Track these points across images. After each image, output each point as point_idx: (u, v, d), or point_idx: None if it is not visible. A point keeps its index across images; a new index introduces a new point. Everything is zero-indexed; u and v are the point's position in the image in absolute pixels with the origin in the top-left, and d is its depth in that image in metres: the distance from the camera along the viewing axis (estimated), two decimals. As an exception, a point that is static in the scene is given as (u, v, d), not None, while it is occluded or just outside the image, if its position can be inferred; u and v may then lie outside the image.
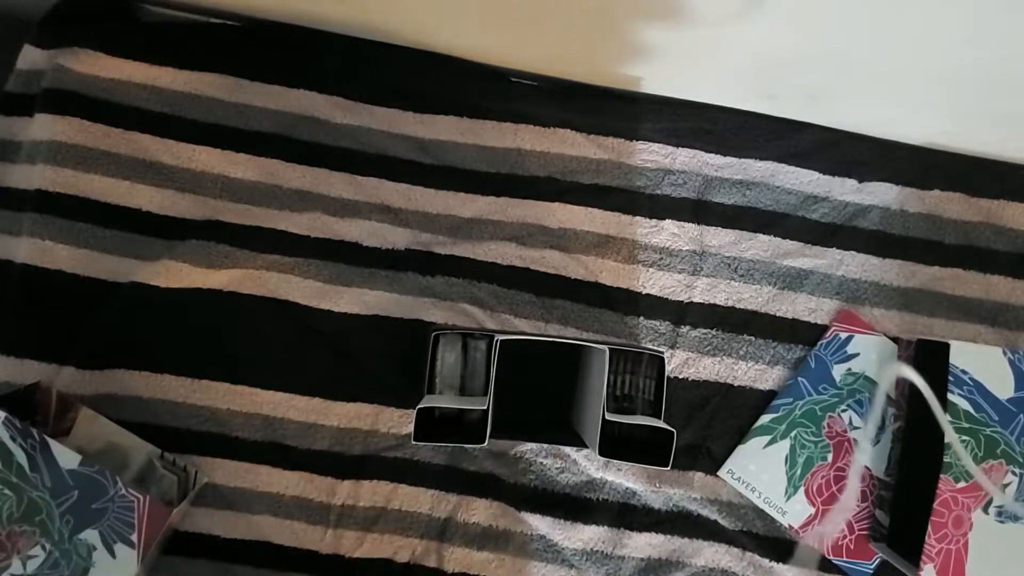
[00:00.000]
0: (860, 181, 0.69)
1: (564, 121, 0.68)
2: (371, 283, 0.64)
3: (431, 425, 0.49)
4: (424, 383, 0.59)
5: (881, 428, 0.64)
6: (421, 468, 0.62)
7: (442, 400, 0.53)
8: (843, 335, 0.65)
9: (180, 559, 0.60)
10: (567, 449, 0.62)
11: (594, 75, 0.69)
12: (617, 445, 0.53)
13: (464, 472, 0.62)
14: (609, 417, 0.50)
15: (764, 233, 0.68)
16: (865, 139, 0.70)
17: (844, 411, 0.64)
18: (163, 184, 0.65)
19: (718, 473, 0.63)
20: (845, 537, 0.62)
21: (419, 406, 0.49)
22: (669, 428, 0.51)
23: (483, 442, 0.52)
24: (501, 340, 0.48)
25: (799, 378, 0.65)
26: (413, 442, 0.50)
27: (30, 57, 0.66)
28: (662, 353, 0.55)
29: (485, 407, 0.52)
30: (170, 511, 0.55)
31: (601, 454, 0.51)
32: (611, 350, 0.51)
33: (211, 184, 0.65)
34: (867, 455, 0.63)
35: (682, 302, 0.66)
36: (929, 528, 0.57)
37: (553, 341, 0.52)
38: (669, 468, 0.52)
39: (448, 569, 0.61)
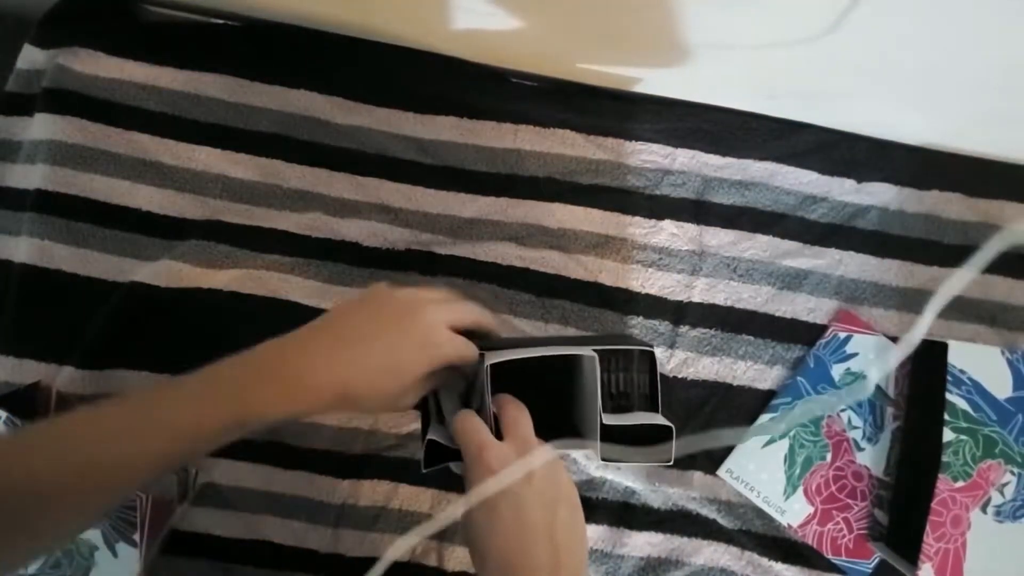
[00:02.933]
0: (859, 181, 0.69)
1: (563, 121, 0.68)
2: (371, 283, 0.64)
3: (436, 448, 0.49)
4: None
5: (880, 428, 0.64)
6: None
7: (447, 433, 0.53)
8: (842, 335, 0.65)
9: (180, 559, 0.60)
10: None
11: (594, 75, 0.69)
12: (618, 446, 0.53)
13: (464, 472, 0.62)
14: (607, 420, 0.50)
15: (763, 233, 0.68)
16: (864, 139, 0.70)
17: (843, 411, 0.64)
18: (163, 184, 0.65)
19: (717, 472, 0.63)
20: (844, 536, 0.63)
21: (428, 437, 0.49)
22: (667, 424, 0.51)
23: None
24: (491, 364, 0.48)
25: (798, 378, 0.65)
26: (423, 471, 0.50)
27: (30, 57, 0.66)
28: (651, 347, 0.55)
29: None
30: (172, 510, 0.55)
31: (603, 459, 0.51)
32: (600, 353, 0.51)
33: (211, 184, 0.65)
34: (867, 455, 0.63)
35: (681, 302, 0.66)
36: (927, 527, 0.57)
37: (541, 356, 0.52)
38: (671, 463, 0.52)
39: (449, 568, 0.61)
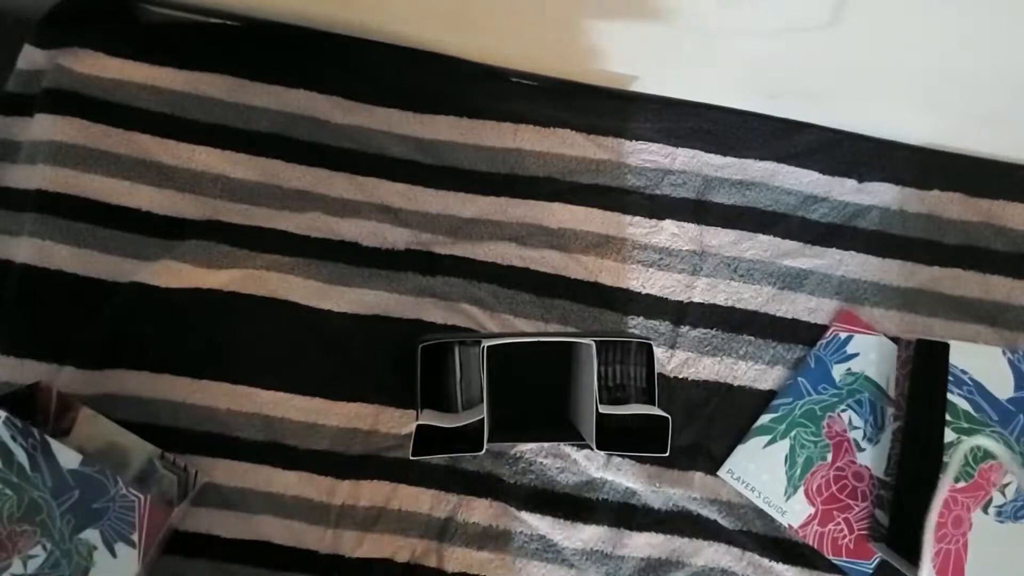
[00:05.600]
0: (860, 181, 0.69)
1: (563, 121, 0.68)
2: (371, 283, 0.64)
3: (428, 435, 0.49)
4: (416, 392, 0.59)
5: (881, 428, 0.64)
6: (421, 468, 0.62)
7: (441, 418, 0.54)
8: (843, 335, 0.65)
9: (180, 559, 0.60)
10: (567, 449, 0.62)
11: (594, 75, 0.69)
12: (614, 437, 0.53)
13: (464, 472, 0.62)
14: (603, 410, 0.50)
15: (764, 233, 0.68)
16: (865, 139, 0.70)
17: (844, 411, 0.64)
18: (163, 184, 0.65)
19: (718, 473, 0.63)
20: (845, 537, 0.62)
21: (418, 422, 0.49)
22: (663, 414, 0.51)
23: (480, 450, 0.53)
24: (488, 346, 0.48)
25: (799, 378, 0.65)
26: (411, 457, 0.50)
27: (30, 57, 0.66)
28: (650, 340, 0.55)
29: (482, 416, 0.52)
30: (170, 511, 0.55)
31: (599, 447, 0.51)
32: (598, 342, 0.51)
33: (211, 184, 0.65)
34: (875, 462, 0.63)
35: (682, 302, 0.66)
36: (929, 528, 0.57)
37: (540, 341, 0.52)
38: (668, 454, 0.51)
39: (448, 569, 0.61)
